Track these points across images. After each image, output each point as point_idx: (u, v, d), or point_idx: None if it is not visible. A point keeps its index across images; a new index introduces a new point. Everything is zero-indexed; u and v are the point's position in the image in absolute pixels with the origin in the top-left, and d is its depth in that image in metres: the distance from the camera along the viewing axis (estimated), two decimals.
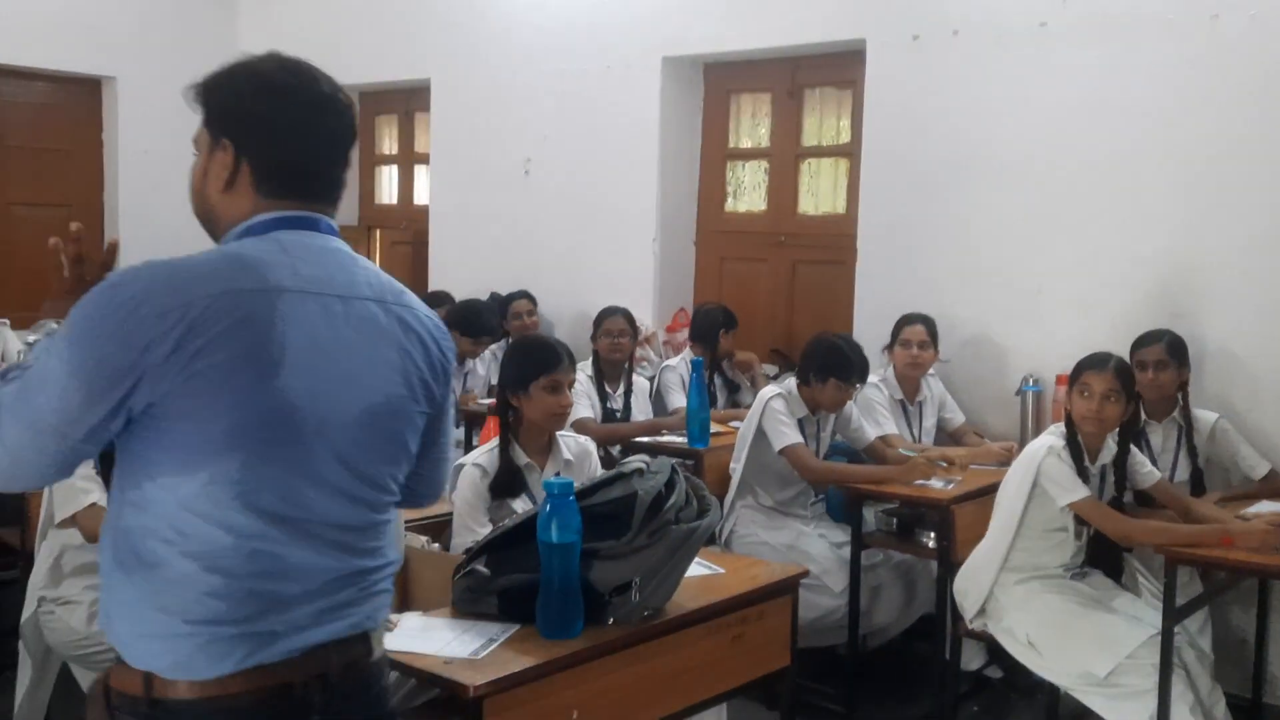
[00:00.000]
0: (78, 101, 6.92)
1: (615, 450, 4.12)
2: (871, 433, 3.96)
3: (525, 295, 5.50)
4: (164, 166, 7.09)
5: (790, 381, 3.87)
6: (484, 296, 5.78)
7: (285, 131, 1.51)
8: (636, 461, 2.27)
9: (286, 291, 1.43)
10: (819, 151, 5.20)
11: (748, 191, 5.49)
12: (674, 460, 2.36)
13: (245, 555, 1.40)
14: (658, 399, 4.66)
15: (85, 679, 2.84)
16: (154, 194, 7.10)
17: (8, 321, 5.14)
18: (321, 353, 1.45)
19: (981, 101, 4.35)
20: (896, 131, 4.58)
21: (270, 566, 1.42)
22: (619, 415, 4.49)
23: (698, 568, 2.42)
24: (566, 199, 5.69)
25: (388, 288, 1.58)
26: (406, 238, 6.81)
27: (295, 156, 1.52)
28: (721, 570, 2.50)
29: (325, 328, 1.46)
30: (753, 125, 5.43)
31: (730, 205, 5.52)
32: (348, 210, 7.21)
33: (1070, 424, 3.09)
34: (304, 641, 1.45)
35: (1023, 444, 3.81)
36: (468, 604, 2.21)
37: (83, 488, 2.67)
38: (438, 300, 5.79)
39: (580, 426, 3.89)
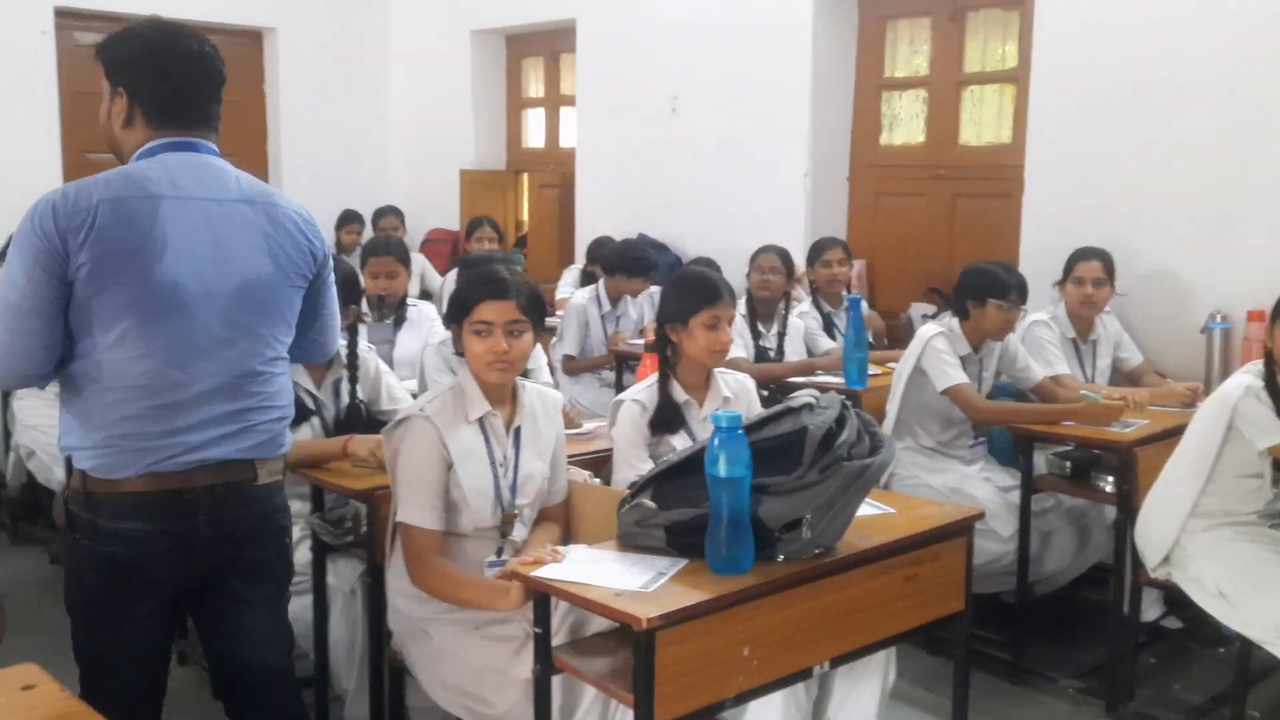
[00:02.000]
0: (242, 53, 7.16)
1: (767, 391, 4.04)
2: (1040, 372, 3.77)
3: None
4: (320, 115, 7.33)
5: (951, 319, 3.71)
6: (633, 238, 5.77)
7: (161, 78, 2.01)
8: (805, 396, 2.20)
9: (166, 198, 1.95)
10: (983, 78, 4.95)
11: (904, 123, 5.28)
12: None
13: (151, 390, 1.95)
14: (811, 341, 4.55)
15: None
16: (311, 141, 7.34)
17: None
18: (200, 242, 1.97)
19: (1163, 15, 4.04)
20: (1069, 53, 4.30)
21: (169, 400, 1.97)
22: (771, 355, 4.41)
23: (867, 507, 2.34)
24: (714, 136, 5.59)
25: (257, 191, 2.09)
26: (554, 181, 6.83)
27: (171, 96, 2.01)
28: (891, 510, 2.41)
29: (201, 224, 1.98)
30: (910, 53, 5.20)
31: (885, 138, 5.32)
32: (495, 155, 7.28)
33: (1270, 362, 2.86)
34: (193, 458, 1.99)
35: (1209, 385, 3.58)
36: (634, 537, 2.19)
37: None
38: (600, 245, 5.72)
39: (733, 365, 3.83)
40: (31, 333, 1.90)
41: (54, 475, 4.26)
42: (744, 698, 2.07)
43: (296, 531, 2.87)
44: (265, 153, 7.36)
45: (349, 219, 6.66)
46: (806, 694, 2.42)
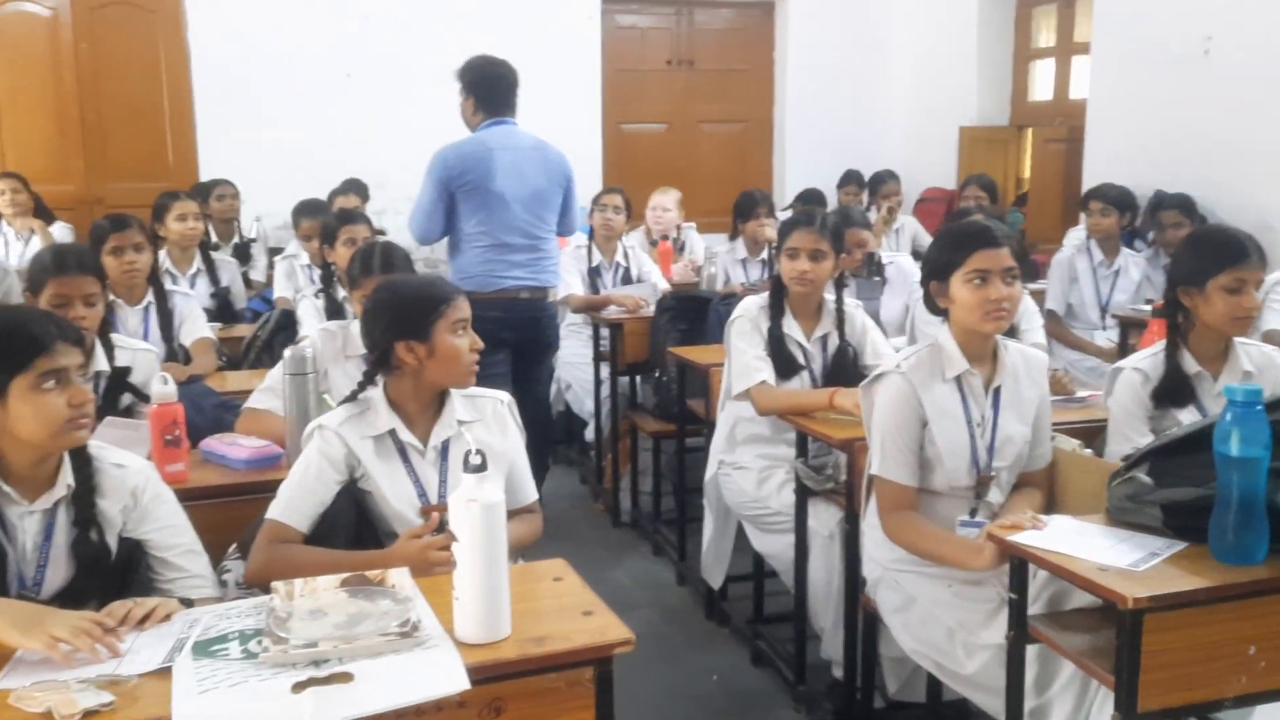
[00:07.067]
0: (754, 24, 7.57)
1: None
2: None
3: None
4: (824, 79, 7.54)
5: None
6: (1148, 194, 5.30)
7: (489, 85, 3.95)
8: None
9: (496, 149, 3.90)
10: None
11: None
12: None
13: (495, 247, 3.95)
14: None
15: (756, 537, 3.20)
16: (814, 106, 7.58)
17: (694, 225, 5.89)
18: (512, 170, 3.91)
19: None
20: None
21: (503, 253, 3.95)
22: None
23: None
24: (1255, 79, 4.91)
25: (537, 142, 4.02)
26: (1060, 134, 6.43)
27: (494, 95, 3.95)
28: None
29: (511, 161, 3.92)
30: None
31: None
32: (998, 112, 7.02)
33: None
34: (517, 284, 3.98)
35: None
36: (1125, 513, 2.06)
37: (755, 366, 2.99)
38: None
39: (1269, 339, 3.39)
40: (436, 223, 3.96)
41: (585, 406, 4.90)
42: (1245, 701, 1.89)
43: (781, 474, 3.07)
44: (771, 118, 7.73)
45: (848, 180, 6.79)
46: None
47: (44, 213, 5.67)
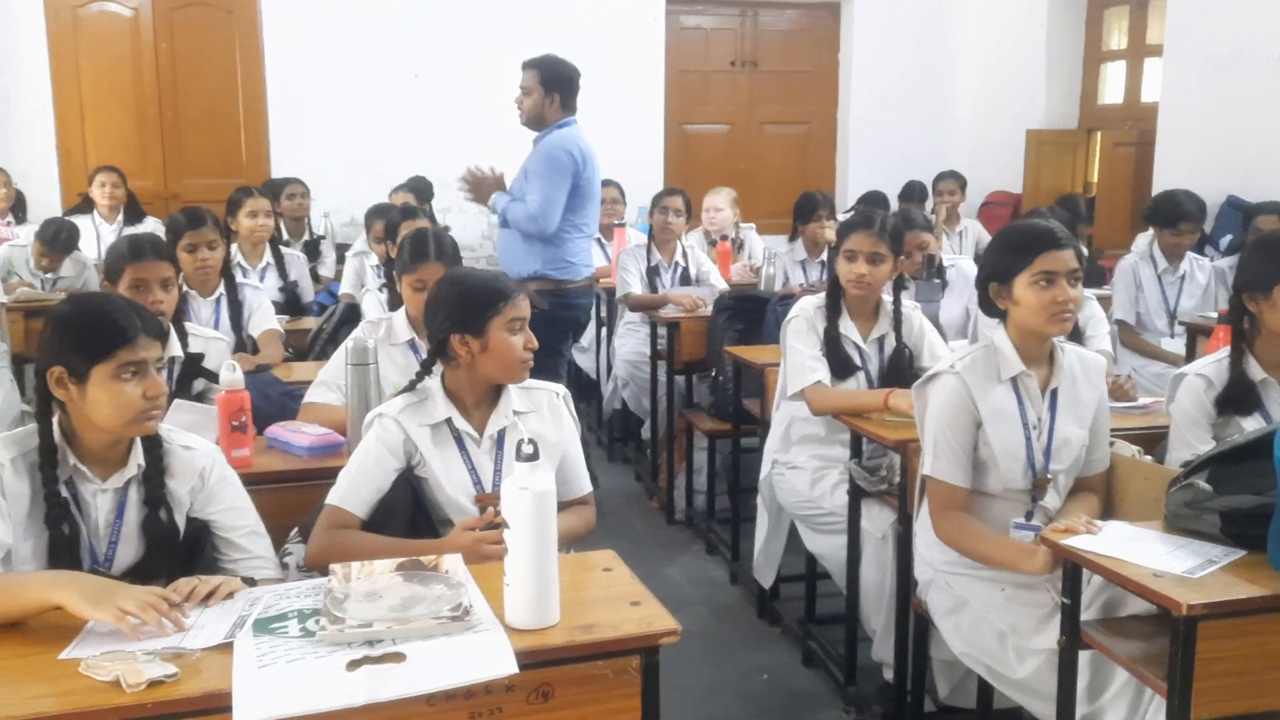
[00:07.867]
0: (819, 25, 7.54)
1: None
2: None
3: None
4: (889, 81, 7.48)
5: None
6: (1219, 200, 5.18)
7: (571, 85, 4.20)
8: None
9: (584, 144, 4.19)
10: None
11: None
12: None
13: (590, 235, 4.38)
14: None
15: (808, 537, 3.20)
16: (880, 108, 7.53)
17: (754, 225, 5.88)
18: (592, 163, 4.20)
19: None
20: None
21: (582, 243, 4.30)
22: None
23: None
24: None
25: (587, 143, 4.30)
26: (1130, 138, 6.32)
27: (572, 94, 4.21)
28: None
29: (591, 155, 4.19)
30: None
31: None
32: (1066, 115, 6.91)
33: None
34: (594, 266, 4.47)
35: None
36: (1183, 520, 2.03)
37: (810, 366, 2.99)
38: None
39: None
40: (560, 214, 4.12)
41: (642, 404, 4.93)
42: None
43: (835, 475, 3.06)
44: (835, 120, 7.69)
45: (909, 194, 6.67)
46: None
47: (136, 209, 5.84)
